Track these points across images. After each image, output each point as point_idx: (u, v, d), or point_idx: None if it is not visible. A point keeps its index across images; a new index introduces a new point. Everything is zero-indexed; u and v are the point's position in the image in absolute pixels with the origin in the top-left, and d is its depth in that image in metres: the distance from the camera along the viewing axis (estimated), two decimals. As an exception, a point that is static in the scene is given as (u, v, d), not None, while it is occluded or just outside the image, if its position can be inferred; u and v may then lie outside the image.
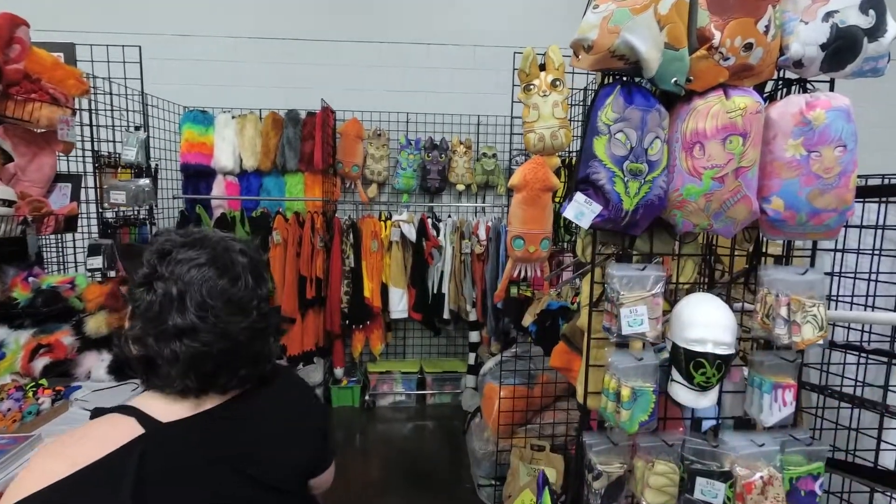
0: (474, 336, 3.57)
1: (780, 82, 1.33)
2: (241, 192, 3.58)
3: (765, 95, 1.34)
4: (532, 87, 2.08)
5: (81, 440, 0.70)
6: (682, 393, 1.21)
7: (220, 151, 3.49)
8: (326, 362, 3.65)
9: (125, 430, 0.71)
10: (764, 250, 1.43)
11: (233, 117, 3.53)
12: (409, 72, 3.79)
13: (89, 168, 2.29)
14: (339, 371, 3.62)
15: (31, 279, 1.84)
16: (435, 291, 3.56)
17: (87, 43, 2.07)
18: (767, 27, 1.16)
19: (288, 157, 3.50)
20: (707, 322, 1.17)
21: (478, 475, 2.57)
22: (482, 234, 3.47)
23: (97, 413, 0.76)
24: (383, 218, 3.59)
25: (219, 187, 3.54)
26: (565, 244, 2.76)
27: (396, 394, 3.65)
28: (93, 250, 2.04)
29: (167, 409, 0.75)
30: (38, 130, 1.90)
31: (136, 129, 2.22)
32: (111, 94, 2.26)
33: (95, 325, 2.07)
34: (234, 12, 3.68)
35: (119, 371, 2.09)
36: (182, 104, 3.51)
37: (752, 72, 1.20)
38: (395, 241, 3.49)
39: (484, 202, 3.88)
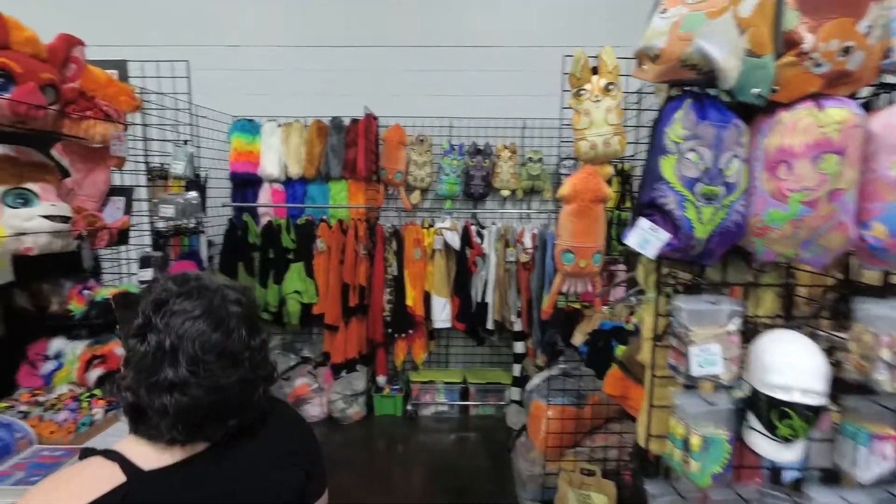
0: (519, 347, 3.46)
1: (880, 89, 1.16)
2: (287, 200, 3.62)
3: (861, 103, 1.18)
4: (583, 91, 1.96)
5: (66, 485, 0.71)
6: (761, 443, 1.07)
7: (266, 160, 3.53)
8: (369, 370, 3.64)
9: (107, 477, 0.72)
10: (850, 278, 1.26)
11: (278, 126, 3.56)
12: (452, 76, 3.72)
13: (143, 180, 2.35)
14: (381, 379, 3.60)
15: (85, 292, 1.88)
16: (479, 301, 3.47)
17: (139, 59, 2.11)
18: (870, 28, 1.01)
19: (332, 164, 3.50)
20: (793, 366, 1.03)
21: (523, 497, 2.47)
22: (527, 241, 3.35)
23: (85, 454, 0.79)
24: (426, 225, 3.53)
25: (265, 195, 3.59)
26: (618, 256, 2.61)
27: (439, 404, 3.59)
28: (144, 262, 2.08)
29: (152, 455, 0.76)
30: (93, 146, 1.94)
31: (185, 143, 2.25)
32: (162, 107, 2.30)
33: (146, 336, 2.12)
34: (279, 22, 3.72)
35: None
36: (231, 113, 3.58)
37: (850, 79, 1.05)
38: (439, 248, 3.42)
39: (529, 208, 3.76)
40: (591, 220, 1.96)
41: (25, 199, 1.63)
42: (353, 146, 3.48)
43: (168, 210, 2.02)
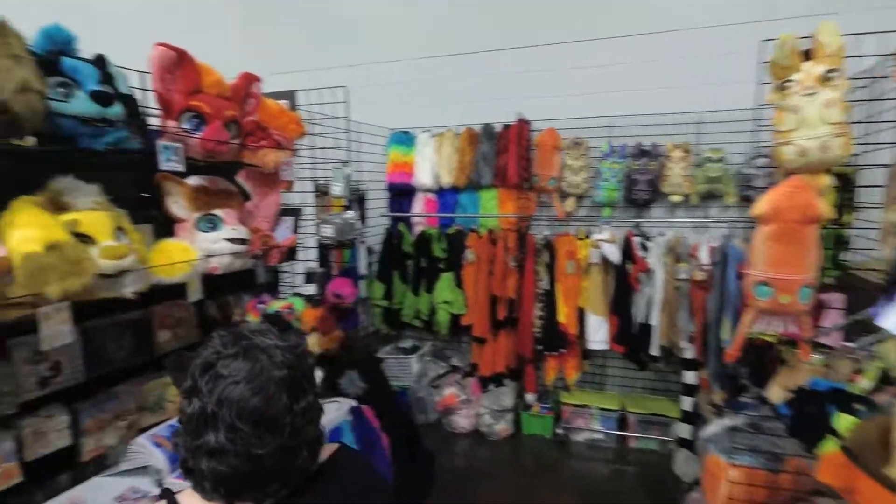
0: (690, 377, 2.99)
1: None
2: (439, 209, 3.66)
3: None
4: (790, 83, 1.55)
5: None
6: None
7: (420, 170, 3.61)
8: (518, 386, 3.50)
9: None
10: None
11: (432, 136, 3.61)
12: (612, 71, 3.36)
13: (310, 199, 2.54)
14: (530, 397, 3.44)
15: (259, 305, 2.08)
16: (641, 322, 3.08)
17: (303, 87, 2.28)
18: None
19: (482, 172, 3.43)
20: None
21: (694, 564, 2.10)
22: (703, 256, 2.86)
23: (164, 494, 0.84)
24: (581, 236, 3.25)
25: (419, 204, 3.68)
26: (833, 282, 2.04)
27: (593, 430, 3.30)
28: (308, 278, 2.22)
29: None
30: (267, 172, 2.13)
31: (343, 164, 2.37)
32: (324, 128, 2.45)
33: (311, 343, 2.27)
34: (428, 34, 3.78)
35: (331, 388, 2.27)
36: (389, 126, 3.74)
37: None
38: (595, 262, 3.12)
39: (706, 216, 3.22)
40: (797, 246, 1.54)
41: (213, 224, 1.83)
42: (504, 153, 3.37)
43: (328, 230, 2.15)
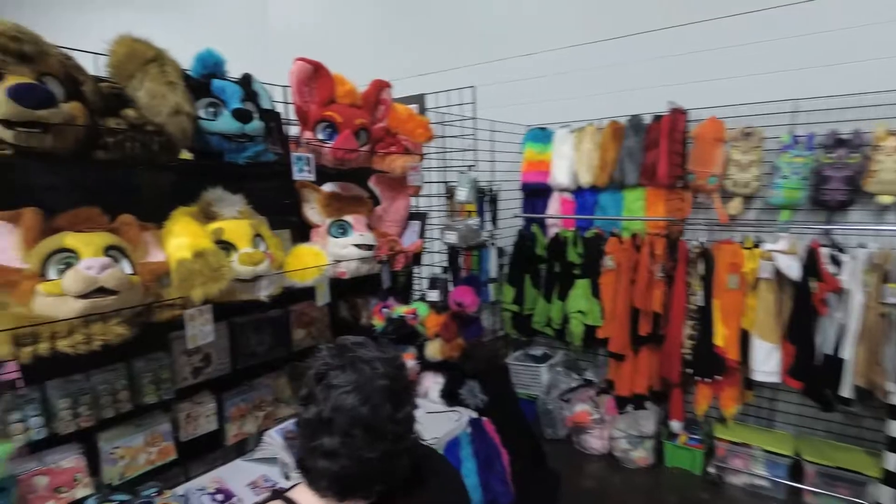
0: (899, 430, 2.34)
1: None
2: (576, 210, 3.40)
3: None
4: None
5: None
6: None
7: (557, 168, 3.39)
8: (661, 411, 3.11)
9: None
10: None
11: (571, 132, 3.37)
12: (795, 43, 2.76)
13: (438, 202, 2.52)
14: (676, 425, 3.02)
15: (384, 310, 2.11)
16: (829, 353, 2.49)
17: (432, 90, 2.25)
18: None
19: (627, 169, 3.10)
20: None
21: None
22: (927, 276, 2.20)
23: (267, 499, 0.92)
24: (748, 245, 2.74)
25: (554, 205, 3.46)
26: None
27: (755, 475, 2.78)
28: (432, 284, 2.20)
29: None
30: (395, 177, 2.15)
31: (468, 168, 2.29)
32: (452, 136, 2.40)
33: (432, 350, 2.25)
34: (564, 23, 3.51)
35: (450, 396, 2.23)
36: (525, 123, 3.58)
37: None
38: (766, 277, 2.60)
39: (932, 223, 2.48)
40: None
41: (343, 230, 1.88)
42: (653, 148, 2.99)
43: (451, 236, 2.10)
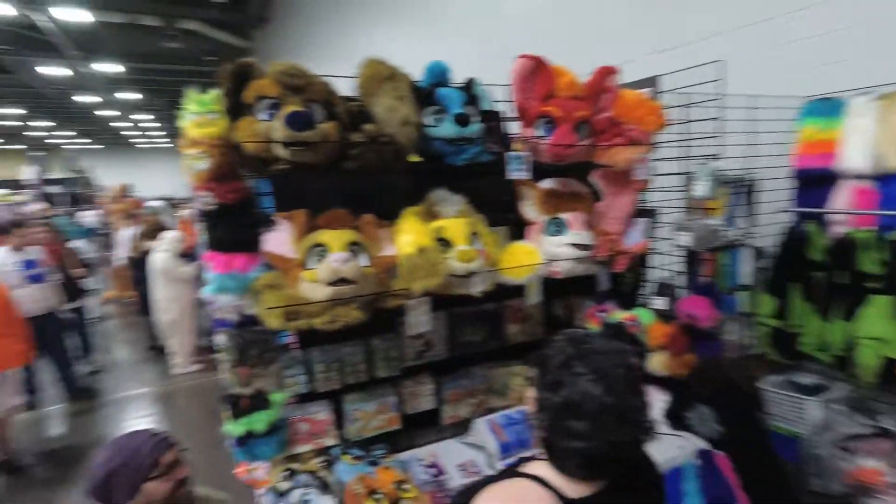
0: None
1: None
2: (879, 204, 2.56)
3: None
4: None
5: (512, 500, 0.91)
6: None
7: (851, 147, 2.59)
8: None
9: (546, 499, 0.89)
10: None
11: (875, 99, 2.54)
12: None
13: (673, 196, 2.22)
14: None
15: (600, 314, 1.97)
16: None
17: (672, 70, 1.93)
18: None
19: (974, 146, 2.18)
20: None
21: None
22: None
23: (503, 475, 0.97)
24: None
25: (842, 197, 2.67)
26: None
27: None
28: (660, 290, 1.96)
29: (566, 487, 0.91)
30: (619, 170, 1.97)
31: (712, 158, 1.93)
32: (687, 121, 2.05)
33: (657, 363, 2.02)
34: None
35: (676, 418, 1.97)
36: (799, 95, 2.85)
37: None
38: None
39: None
40: None
41: (559, 228, 1.83)
42: None
43: (685, 238, 1.81)
